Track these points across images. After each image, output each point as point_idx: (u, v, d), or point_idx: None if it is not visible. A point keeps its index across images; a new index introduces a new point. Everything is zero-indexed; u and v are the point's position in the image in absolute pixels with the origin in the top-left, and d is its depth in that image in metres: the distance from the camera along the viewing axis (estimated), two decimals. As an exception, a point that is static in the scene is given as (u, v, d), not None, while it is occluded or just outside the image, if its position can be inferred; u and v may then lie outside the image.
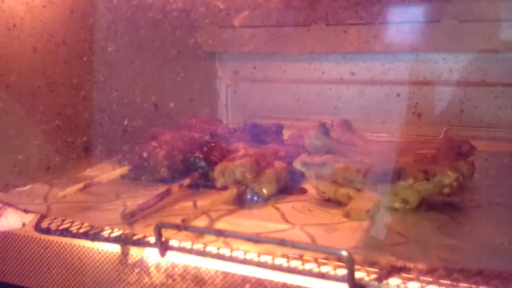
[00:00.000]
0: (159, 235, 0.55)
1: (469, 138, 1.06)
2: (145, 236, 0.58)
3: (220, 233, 0.52)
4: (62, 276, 0.63)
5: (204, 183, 0.78)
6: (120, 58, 0.94)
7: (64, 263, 0.63)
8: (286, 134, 1.22)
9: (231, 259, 0.53)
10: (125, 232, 0.60)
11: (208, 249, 0.54)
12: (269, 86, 1.26)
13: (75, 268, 0.62)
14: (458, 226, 0.61)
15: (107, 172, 0.86)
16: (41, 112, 0.79)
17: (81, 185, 0.69)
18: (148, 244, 0.58)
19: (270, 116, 1.25)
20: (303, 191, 0.77)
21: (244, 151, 0.72)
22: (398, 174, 0.65)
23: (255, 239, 0.50)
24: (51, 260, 0.64)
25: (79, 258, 0.62)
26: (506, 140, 1.04)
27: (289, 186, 0.76)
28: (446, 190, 0.66)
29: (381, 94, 1.15)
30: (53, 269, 0.63)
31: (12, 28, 0.72)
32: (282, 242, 0.48)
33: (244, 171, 0.70)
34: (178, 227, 0.54)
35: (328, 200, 0.70)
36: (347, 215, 0.52)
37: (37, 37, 0.77)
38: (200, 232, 0.54)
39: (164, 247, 0.56)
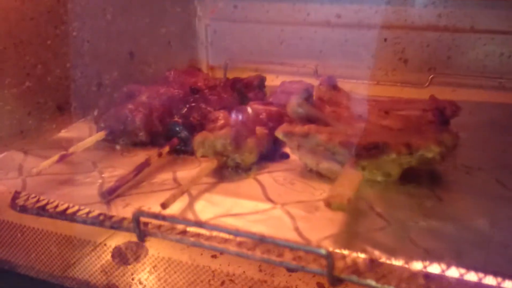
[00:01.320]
0: (137, 223, 0.54)
1: (455, 85, 1.06)
2: (123, 220, 0.57)
3: (200, 225, 0.51)
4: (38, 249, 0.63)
5: (184, 149, 0.76)
6: (91, 8, 0.88)
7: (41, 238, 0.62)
8: (268, 79, 1.20)
9: (211, 247, 0.52)
10: (103, 214, 0.59)
11: (187, 235, 0.53)
12: (251, 27, 1.20)
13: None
14: (439, 204, 0.61)
15: (82, 132, 0.84)
16: (10, 75, 0.74)
17: (55, 157, 0.67)
18: (126, 229, 0.57)
19: (252, 59, 1.21)
20: (285, 156, 0.76)
21: (224, 121, 0.70)
22: (382, 149, 0.63)
23: (235, 233, 0.50)
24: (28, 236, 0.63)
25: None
26: (492, 88, 1.03)
27: (270, 152, 0.75)
28: (429, 162, 0.65)
29: (367, 38, 1.11)
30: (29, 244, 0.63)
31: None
32: (262, 239, 0.48)
33: (224, 142, 0.68)
34: (156, 217, 0.53)
35: (310, 171, 0.69)
36: (328, 205, 0.52)
37: (-2, -6, 0.70)
38: (179, 223, 0.53)
39: (142, 233, 0.55)
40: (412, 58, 1.09)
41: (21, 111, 0.77)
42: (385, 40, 1.10)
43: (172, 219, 0.52)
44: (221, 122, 0.70)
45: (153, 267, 0.59)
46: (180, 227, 0.54)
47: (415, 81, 1.07)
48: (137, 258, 0.60)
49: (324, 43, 1.15)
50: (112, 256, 0.68)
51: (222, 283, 0.55)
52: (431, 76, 1.05)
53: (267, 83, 1.15)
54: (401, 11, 1.06)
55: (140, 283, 0.59)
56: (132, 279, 0.60)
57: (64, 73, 0.84)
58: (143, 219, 0.54)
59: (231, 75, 1.23)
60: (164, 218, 0.52)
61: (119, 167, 0.71)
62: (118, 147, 0.78)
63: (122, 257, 0.61)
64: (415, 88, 1.07)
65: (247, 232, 0.49)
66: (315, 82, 1.14)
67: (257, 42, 1.21)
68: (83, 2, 0.85)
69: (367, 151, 0.64)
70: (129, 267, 0.64)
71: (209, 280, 0.57)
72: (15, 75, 0.75)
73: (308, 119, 0.72)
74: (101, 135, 0.75)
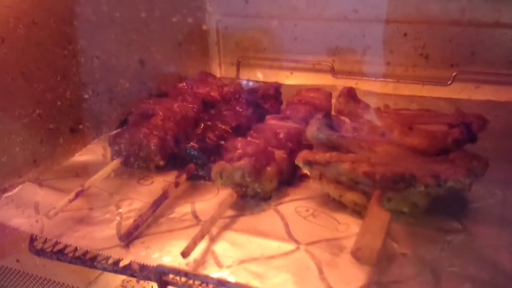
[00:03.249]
0: (159, 277, 0.53)
1: (479, 82, 1.02)
2: (144, 269, 0.56)
3: (222, 284, 0.50)
4: None
5: (201, 174, 0.74)
6: (98, 20, 0.84)
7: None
8: (282, 76, 1.17)
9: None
10: (123, 261, 0.58)
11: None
12: (264, 23, 1.16)
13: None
14: (469, 240, 0.58)
15: (97, 155, 0.82)
16: (20, 105, 0.72)
17: (71, 196, 0.65)
18: (147, 279, 0.56)
19: (266, 56, 1.17)
20: (304, 178, 0.74)
21: (242, 150, 0.67)
22: (409, 182, 0.61)
23: (260, 295, 0.48)
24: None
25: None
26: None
27: (290, 175, 0.73)
28: (457, 191, 0.63)
29: (386, 33, 1.06)
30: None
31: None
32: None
33: (243, 174, 0.65)
34: (178, 273, 0.51)
35: (333, 200, 0.67)
36: (356, 258, 0.50)
37: (3, 24, 0.67)
38: (201, 281, 0.51)
39: (164, 285, 0.54)
40: (434, 54, 1.04)
41: (33, 140, 0.75)
42: (405, 35, 1.05)
43: (194, 276, 0.51)
44: (238, 152, 0.67)
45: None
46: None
47: (437, 78, 1.03)
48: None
49: (340, 39, 1.11)
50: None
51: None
52: (454, 74, 1.01)
53: (281, 80, 1.12)
54: (422, 5, 1.01)
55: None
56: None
57: (74, 94, 0.81)
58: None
59: (243, 73, 1.20)
60: (186, 274, 0.51)
61: (136, 199, 0.70)
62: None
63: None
64: (437, 86, 1.03)
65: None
66: (331, 79, 1.11)
67: (270, 38, 1.17)
68: (91, 16, 0.82)
69: (394, 184, 0.61)
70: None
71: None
72: (25, 105, 0.72)
73: (329, 145, 0.69)
74: (116, 163, 0.73)
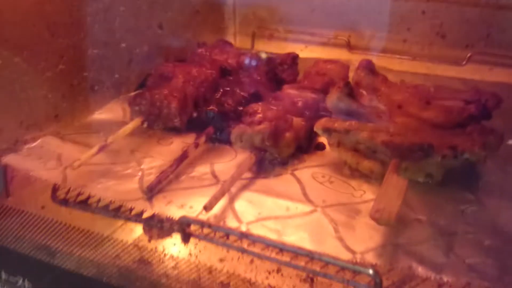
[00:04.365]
0: (183, 228, 0.54)
1: (494, 64, 1.03)
2: (168, 221, 0.58)
3: (245, 236, 0.52)
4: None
5: (219, 137, 0.75)
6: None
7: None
8: (296, 49, 1.17)
9: (254, 253, 0.53)
10: (147, 212, 0.59)
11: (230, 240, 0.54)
12: (281, -7, 1.16)
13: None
14: (481, 211, 0.60)
15: (116, 114, 0.83)
16: (44, 59, 0.73)
17: (95, 149, 0.67)
18: (171, 230, 0.57)
19: (281, 28, 1.17)
20: (321, 147, 0.75)
21: (262, 114, 0.69)
22: (426, 151, 0.62)
23: (281, 247, 0.50)
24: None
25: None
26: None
27: (307, 143, 0.74)
28: (472, 163, 0.64)
29: (404, 9, 1.07)
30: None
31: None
32: (310, 255, 0.48)
33: (263, 138, 0.67)
34: (203, 224, 0.53)
35: (349, 168, 0.68)
36: (375, 220, 0.51)
37: (30, -23, 0.68)
38: (224, 232, 0.53)
39: (187, 236, 0.56)
40: (450, 34, 1.05)
41: (55, 94, 0.76)
42: (423, 12, 1.05)
43: (218, 228, 0.53)
44: (259, 116, 0.69)
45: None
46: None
47: (452, 57, 1.04)
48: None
49: (358, 13, 1.11)
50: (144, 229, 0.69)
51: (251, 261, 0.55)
52: (468, 55, 1.02)
53: (296, 52, 1.13)
54: (442, -17, 1.01)
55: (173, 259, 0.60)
56: (165, 255, 0.60)
57: (96, 52, 0.82)
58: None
59: (258, 44, 1.20)
60: (210, 226, 0.53)
61: (157, 157, 0.71)
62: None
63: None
64: (451, 65, 1.04)
65: (294, 247, 0.49)
66: (347, 54, 1.12)
67: (287, 9, 1.17)
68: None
69: (411, 153, 0.63)
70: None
71: (238, 258, 0.57)
72: (49, 58, 0.73)
73: (348, 114, 0.70)
74: (137, 122, 0.75)
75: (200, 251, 0.58)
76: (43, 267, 0.61)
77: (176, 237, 0.58)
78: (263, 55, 0.97)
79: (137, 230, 0.60)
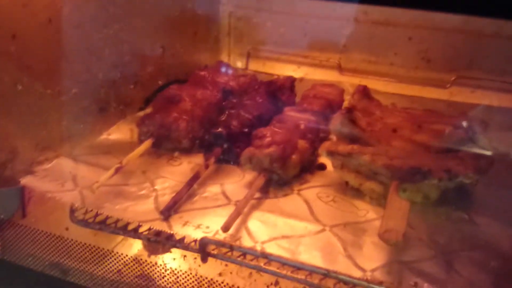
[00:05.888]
0: (203, 248, 0.58)
1: (478, 87, 1.09)
2: (186, 240, 0.61)
3: (264, 256, 0.56)
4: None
5: (227, 158, 0.79)
6: (130, 8, 0.88)
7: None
8: (289, 69, 1.22)
9: (271, 272, 0.57)
10: (166, 232, 0.63)
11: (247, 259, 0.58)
12: (276, 17, 1.21)
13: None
14: (476, 229, 0.66)
15: (124, 135, 0.86)
16: (60, 83, 0.76)
17: (112, 171, 0.70)
18: (190, 249, 0.61)
19: (275, 49, 1.22)
20: (322, 168, 0.80)
21: (271, 139, 0.73)
22: (424, 174, 0.67)
23: (301, 267, 0.54)
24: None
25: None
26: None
27: (309, 164, 0.79)
28: (465, 185, 0.70)
29: (392, 36, 1.13)
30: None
31: (27, 4, 0.67)
32: (327, 274, 0.52)
33: (271, 160, 0.71)
34: (224, 245, 0.57)
35: (351, 188, 0.73)
36: (384, 240, 0.56)
37: (51, 6, 0.71)
38: (243, 252, 0.57)
39: (206, 255, 0.59)
40: (435, 58, 1.11)
41: (69, 117, 0.79)
42: (410, 38, 1.12)
43: (240, 248, 0.56)
44: (268, 140, 0.73)
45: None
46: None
47: (437, 80, 1.10)
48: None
49: (348, 38, 1.17)
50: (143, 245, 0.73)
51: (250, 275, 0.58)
52: (452, 78, 1.08)
53: (288, 73, 1.18)
54: (428, 13, 1.08)
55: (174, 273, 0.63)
56: (165, 270, 0.64)
57: (105, 75, 0.85)
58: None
59: (252, 63, 1.25)
60: (231, 247, 0.56)
61: (168, 177, 0.75)
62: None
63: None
64: (436, 88, 1.10)
65: (312, 266, 0.53)
66: (338, 75, 1.17)
67: (281, 32, 1.22)
68: (124, 4, 0.86)
69: (411, 176, 0.68)
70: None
71: (237, 272, 0.61)
72: (65, 83, 0.76)
73: (350, 137, 0.75)
74: (148, 143, 0.78)
75: (199, 266, 0.62)
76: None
77: (175, 252, 0.62)
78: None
79: (136, 245, 0.64)
